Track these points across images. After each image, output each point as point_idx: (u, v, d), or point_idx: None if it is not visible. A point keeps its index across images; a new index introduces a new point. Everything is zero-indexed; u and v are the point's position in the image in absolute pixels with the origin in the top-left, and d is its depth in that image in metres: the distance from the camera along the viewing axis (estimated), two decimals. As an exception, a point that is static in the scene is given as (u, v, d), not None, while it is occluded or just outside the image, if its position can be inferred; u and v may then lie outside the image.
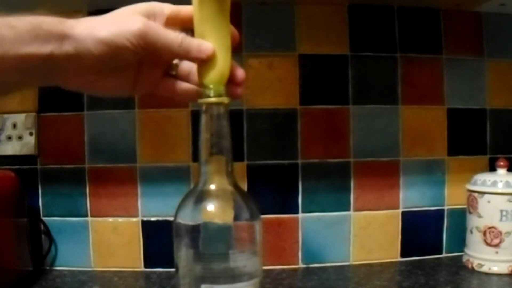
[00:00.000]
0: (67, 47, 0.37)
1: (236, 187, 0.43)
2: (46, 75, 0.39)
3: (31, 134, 0.85)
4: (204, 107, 0.42)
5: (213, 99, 0.41)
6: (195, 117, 0.85)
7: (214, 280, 0.40)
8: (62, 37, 0.37)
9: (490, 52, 0.90)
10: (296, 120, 0.86)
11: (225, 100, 0.42)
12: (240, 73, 0.43)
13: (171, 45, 0.40)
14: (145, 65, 0.43)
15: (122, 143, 0.85)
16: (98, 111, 0.85)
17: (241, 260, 0.41)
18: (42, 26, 0.37)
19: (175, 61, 0.45)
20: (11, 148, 0.86)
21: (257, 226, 0.43)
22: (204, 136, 0.42)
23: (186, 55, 0.41)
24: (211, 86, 0.41)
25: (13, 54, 0.35)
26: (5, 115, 0.85)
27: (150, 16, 0.41)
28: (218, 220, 0.42)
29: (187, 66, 0.44)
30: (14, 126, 0.85)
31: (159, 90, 0.45)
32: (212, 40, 0.41)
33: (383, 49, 0.87)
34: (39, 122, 0.86)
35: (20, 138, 0.85)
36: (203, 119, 0.42)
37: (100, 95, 0.45)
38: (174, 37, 0.40)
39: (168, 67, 0.45)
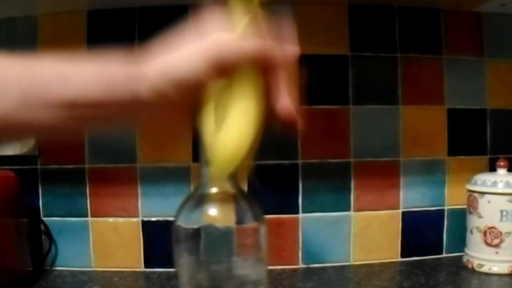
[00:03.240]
0: (143, 90, 0.34)
1: (240, 190, 0.41)
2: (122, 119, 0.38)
3: (31, 134, 0.85)
4: None
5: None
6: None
7: None
8: (136, 81, 0.34)
9: (490, 52, 0.90)
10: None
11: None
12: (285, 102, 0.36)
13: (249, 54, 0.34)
14: None
15: (122, 143, 0.85)
16: (98, 111, 0.85)
17: (244, 268, 0.39)
18: (110, 74, 0.35)
19: None
20: (11, 148, 0.85)
21: (262, 231, 0.41)
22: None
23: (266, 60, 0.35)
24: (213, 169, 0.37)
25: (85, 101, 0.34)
26: (5, 115, 0.85)
27: None
28: (219, 224, 0.40)
29: None
30: (14, 126, 0.85)
31: None
32: (233, 108, 0.36)
33: (383, 49, 0.87)
34: (39, 122, 0.85)
35: (20, 138, 0.85)
36: None
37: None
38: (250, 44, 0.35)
39: None
